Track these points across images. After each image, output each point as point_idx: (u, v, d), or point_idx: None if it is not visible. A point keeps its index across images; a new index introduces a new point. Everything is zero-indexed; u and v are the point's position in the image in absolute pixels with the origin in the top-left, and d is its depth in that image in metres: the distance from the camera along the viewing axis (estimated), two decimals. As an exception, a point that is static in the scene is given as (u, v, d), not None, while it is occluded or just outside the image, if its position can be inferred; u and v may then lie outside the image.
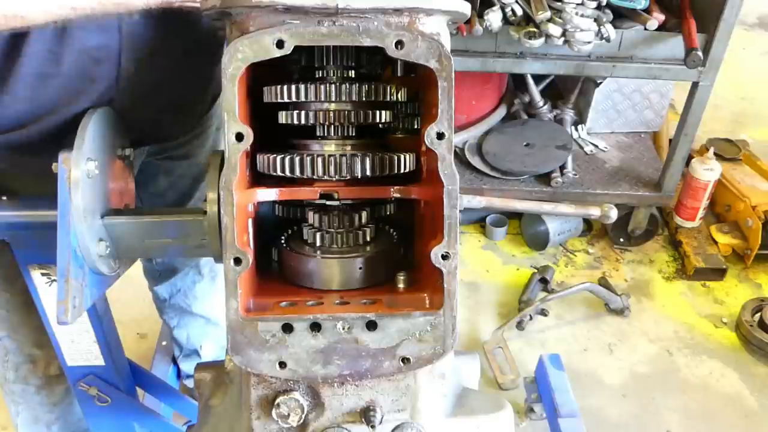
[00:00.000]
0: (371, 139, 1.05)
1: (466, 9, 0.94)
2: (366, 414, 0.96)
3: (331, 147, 1.01)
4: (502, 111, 3.28)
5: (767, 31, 5.45)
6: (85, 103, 1.12)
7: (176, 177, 1.66)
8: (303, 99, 0.94)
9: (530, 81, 3.22)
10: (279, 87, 0.94)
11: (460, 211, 0.91)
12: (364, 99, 0.96)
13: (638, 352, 2.66)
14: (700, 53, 2.47)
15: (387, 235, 1.12)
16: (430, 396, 1.00)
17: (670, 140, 3.11)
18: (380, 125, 1.06)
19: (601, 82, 3.17)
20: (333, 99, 0.95)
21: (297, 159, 0.94)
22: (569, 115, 3.29)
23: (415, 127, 1.07)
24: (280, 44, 0.84)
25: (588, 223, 3.25)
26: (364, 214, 1.05)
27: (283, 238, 1.11)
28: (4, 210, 1.17)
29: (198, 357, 2.25)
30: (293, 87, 0.94)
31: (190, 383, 2.32)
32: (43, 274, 1.34)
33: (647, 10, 2.56)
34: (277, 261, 1.11)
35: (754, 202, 2.99)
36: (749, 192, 3.06)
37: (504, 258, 3.12)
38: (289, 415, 0.96)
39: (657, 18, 2.53)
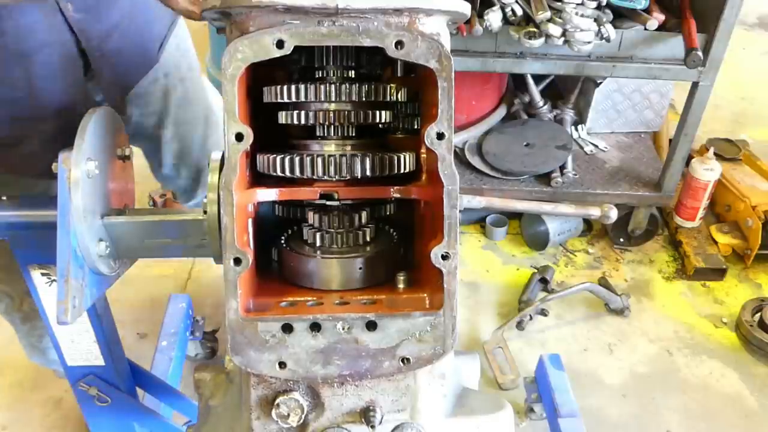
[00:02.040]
0: (371, 139, 1.05)
1: (466, 9, 0.94)
2: (366, 414, 0.96)
3: (331, 147, 1.01)
4: (502, 111, 3.27)
5: (767, 31, 5.45)
6: None
7: None
8: (303, 99, 0.94)
9: (530, 81, 3.22)
10: (279, 87, 0.94)
11: (460, 211, 0.91)
12: (364, 99, 0.96)
13: (638, 352, 2.66)
14: (700, 53, 2.47)
15: (387, 235, 1.12)
16: (430, 396, 1.00)
17: (670, 140, 3.11)
18: (380, 125, 1.06)
19: (601, 82, 3.17)
20: (333, 99, 0.95)
21: (297, 159, 0.94)
22: (569, 115, 3.28)
23: (415, 127, 1.07)
24: (280, 44, 0.84)
25: (588, 223, 3.25)
26: (364, 214, 1.05)
27: (283, 238, 1.11)
28: (4, 210, 1.18)
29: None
30: (293, 87, 0.94)
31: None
32: (43, 274, 1.34)
33: (647, 10, 2.56)
34: (277, 261, 1.11)
35: (754, 202, 2.99)
36: (749, 192, 3.06)
37: (504, 258, 3.12)
38: (289, 415, 0.96)
39: (657, 18, 2.53)
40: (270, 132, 1.02)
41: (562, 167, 3.01)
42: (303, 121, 0.97)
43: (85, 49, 1.33)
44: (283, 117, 0.98)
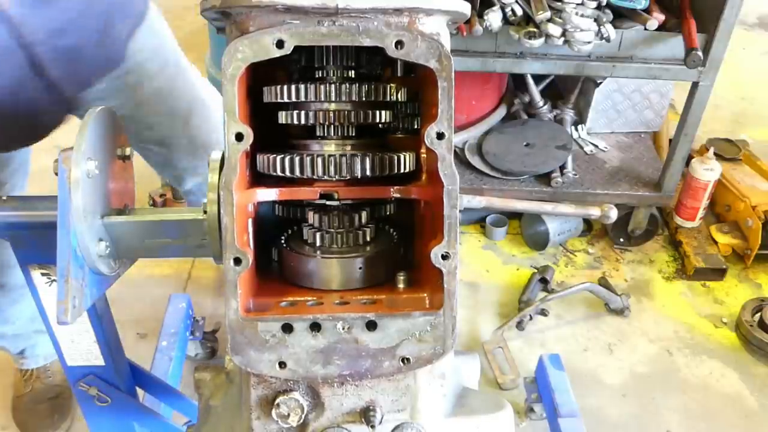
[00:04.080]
0: (371, 139, 1.05)
1: (466, 9, 0.94)
2: (366, 414, 0.96)
3: (331, 147, 1.01)
4: (502, 111, 3.28)
5: (767, 31, 5.45)
6: None
7: None
8: (303, 99, 0.94)
9: (530, 81, 3.22)
10: (279, 87, 0.94)
11: (460, 211, 0.91)
12: (364, 99, 0.96)
13: (638, 352, 2.66)
14: (700, 53, 2.47)
15: (387, 235, 1.12)
16: (430, 396, 1.00)
17: (670, 140, 3.11)
18: (380, 125, 1.06)
19: (601, 82, 3.17)
20: (333, 99, 0.95)
21: (297, 159, 0.94)
22: (569, 115, 3.28)
23: (415, 127, 1.07)
24: (280, 44, 0.84)
25: (588, 223, 3.25)
26: (363, 214, 1.05)
27: (283, 237, 1.11)
28: (4, 210, 1.17)
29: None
30: (293, 87, 0.94)
31: None
32: (43, 274, 1.34)
33: (647, 10, 2.56)
34: (277, 261, 1.11)
35: (754, 202, 2.99)
36: (749, 192, 3.06)
37: (504, 258, 3.12)
38: (289, 415, 0.96)
39: (657, 18, 2.53)
40: (270, 132, 1.02)
41: (562, 167, 3.01)
42: (303, 121, 0.97)
43: (30, 44, 1.29)
44: (283, 117, 0.98)
